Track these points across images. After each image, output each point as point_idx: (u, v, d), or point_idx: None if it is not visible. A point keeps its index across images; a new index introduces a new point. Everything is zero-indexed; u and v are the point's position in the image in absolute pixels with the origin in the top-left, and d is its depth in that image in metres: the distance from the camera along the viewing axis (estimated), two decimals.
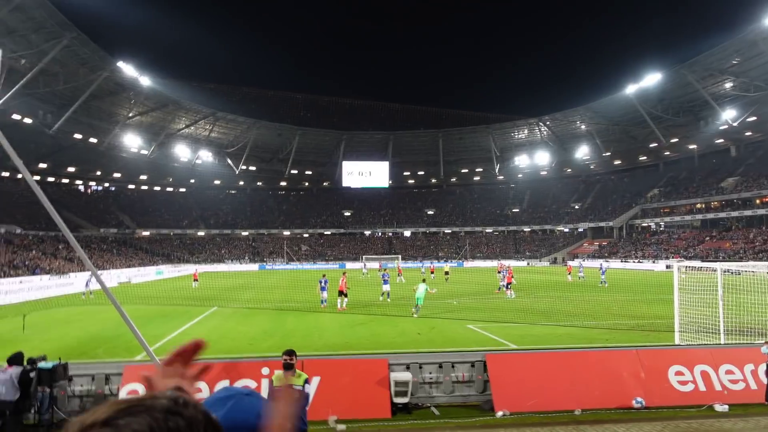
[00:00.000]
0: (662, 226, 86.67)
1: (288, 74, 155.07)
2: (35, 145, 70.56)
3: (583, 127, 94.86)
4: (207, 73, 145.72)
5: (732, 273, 17.06)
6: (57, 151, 78.78)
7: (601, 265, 46.71)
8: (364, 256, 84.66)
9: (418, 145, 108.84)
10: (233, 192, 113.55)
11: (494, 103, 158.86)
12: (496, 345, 16.33)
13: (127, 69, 63.08)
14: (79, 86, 63.36)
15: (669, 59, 73.59)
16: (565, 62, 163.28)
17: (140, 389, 9.32)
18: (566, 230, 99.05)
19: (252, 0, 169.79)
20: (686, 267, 16.55)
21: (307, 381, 6.90)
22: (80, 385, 10.26)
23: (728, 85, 69.42)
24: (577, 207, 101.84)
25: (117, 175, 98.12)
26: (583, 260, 71.77)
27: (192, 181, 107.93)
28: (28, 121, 64.76)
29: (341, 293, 26.28)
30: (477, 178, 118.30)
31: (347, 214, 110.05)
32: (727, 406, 10.40)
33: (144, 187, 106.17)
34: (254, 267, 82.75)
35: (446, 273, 48.40)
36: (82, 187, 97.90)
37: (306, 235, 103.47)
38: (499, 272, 39.22)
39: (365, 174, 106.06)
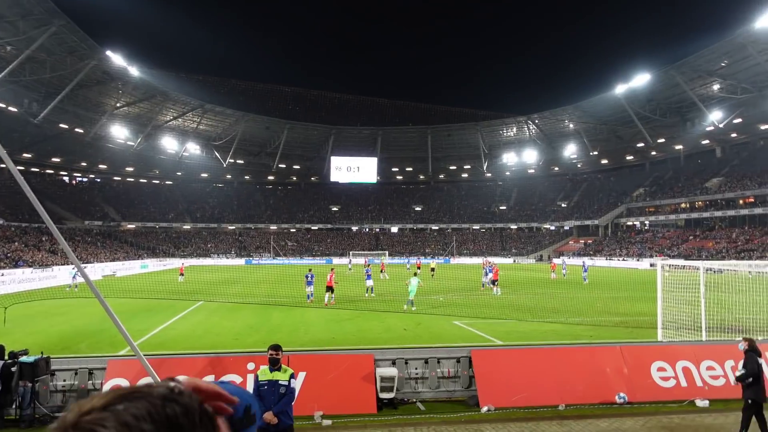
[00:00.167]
0: (647, 225, 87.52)
1: (277, 67, 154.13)
2: (19, 134, 69.64)
3: (571, 126, 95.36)
4: (195, 64, 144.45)
5: (714, 271, 17.31)
6: (42, 141, 77.72)
7: (583, 262, 47.28)
8: (350, 252, 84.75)
9: (407, 141, 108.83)
10: (220, 185, 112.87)
11: (483, 101, 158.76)
12: (481, 341, 16.40)
13: (116, 58, 62.35)
14: (66, 75, 62.54)
15: (658, 60, 74.46)
16: (554, 61, 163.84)
17: (124, 384, 9.25)
18: (552, 228, 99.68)
19: None
20: (669, 265, 16.71)
21: (293, 376, 6.88)
22: (63, 379, 10.16)
23: (716, 87, 70.09)
24: (563, 205, 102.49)
25: (103, 166, 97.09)
26: (568, 258, 72.33)
27: (179, 173, 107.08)
28: (12, 109, 63.88)
29: (329, 288, 26.42)
30: (465, 175, 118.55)
31: (335, 209, 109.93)
32: (707, 401, 10.56)
33: (130, 179, 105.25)
34: (240, 261, 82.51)
35: (432, 269, 48.54)
36: (67, 178, 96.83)
37: (293, 230, 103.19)
38: (483, 269, 39.36)
39: (353, 169, 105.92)
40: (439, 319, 21.38)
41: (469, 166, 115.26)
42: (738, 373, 8.66)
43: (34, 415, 9.41)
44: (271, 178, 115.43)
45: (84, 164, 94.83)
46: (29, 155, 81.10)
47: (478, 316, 21.89)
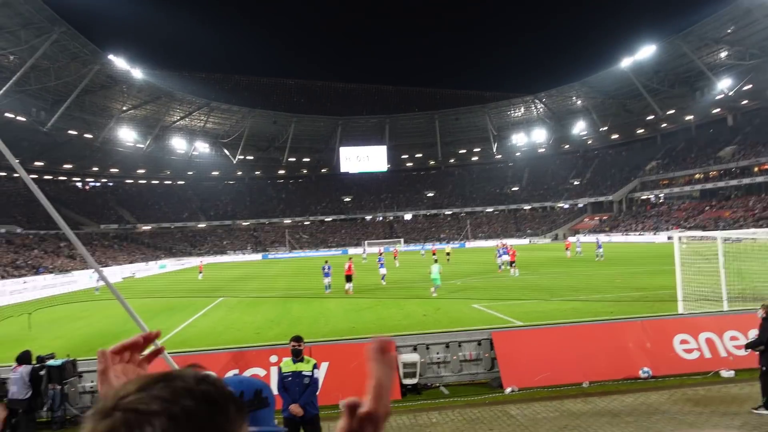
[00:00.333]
0: (662, 198, 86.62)
1: (279, 61, 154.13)
2: (29, 143, 70.24)
3: (579, 102, 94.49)
4: (197, 62, 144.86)
5: (732, 241, 17.06)
6: (52, 148, 78.42)
7: (597, 239, 47.06)
8: (365, 242, 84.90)
9: (415, 128, 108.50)
10: (232, 182, 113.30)
11: (489, 82, 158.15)
12: (501, 323, 16.38)
13: (118, 62, 62.65)
14: (71, 81, 62.97)
15: (663, 30, 73.34)
16: (559, 38, 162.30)
17: None
18: (566, 206, 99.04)
19: None
20: (687, 237, 16.55)
21: (315, 366, 6.92)
22: (90, 380, 10.31)
23: (723, 54, 69.00)
24: (576, 183, 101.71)
25: (114, 170, 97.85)
26: (583, 235, 71.93)
27: (190, 173, 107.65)
28: (21, 119, 64.44)
29: (348, 277, 26.79)
30: (475, 158, 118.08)
31: (347, 199, 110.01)
32: (733, 372, 10.48)
33: (142, 181, 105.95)
34: (257, 257, 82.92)
35: (447, 254, 48.56)
36: (79, 184, 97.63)
37: (307, 223, 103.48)
38: (497, 251, 39.24)
39: (363, 159, 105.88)
40: (457, 303, 21.39)
41: (478, 149, 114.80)
42: (749, 341, 8.58)
43: (65, 417, 9.58)
44: (281, 172, 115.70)
45: (96, 169, 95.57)
46: (41, 163, 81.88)
47: (496, 298, 21.87)
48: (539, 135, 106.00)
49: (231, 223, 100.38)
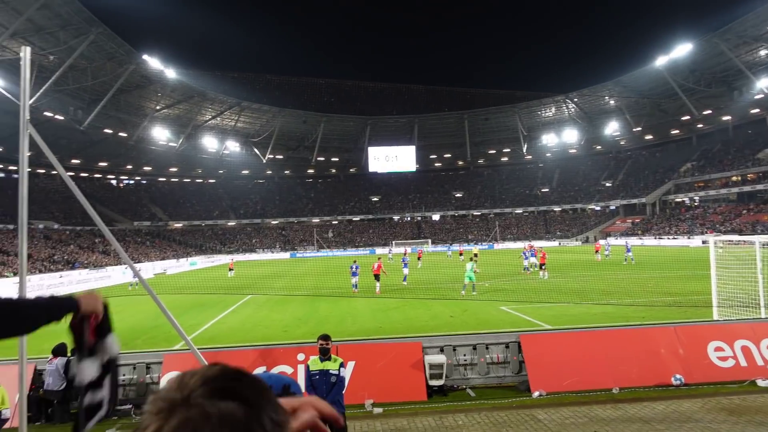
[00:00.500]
0: (697, 200, 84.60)
1: (310, 60, 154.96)
2: (67, 141, 72.11)
3: (612, 102, 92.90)
4: (230, 62, 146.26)
5: None
6: (88, 147, 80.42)
7: (626, 243, 46.33)
8: (393, 242, 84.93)
9: (444, 128, 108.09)
10: (261, 181, 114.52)
11: (520, 81, 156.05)
12: (530, 326, 16.21)
13: (153, 62, 63.86)
14: (107, 81, 64.45)
15: (700, 28, 71.44)
16: (591, 36, 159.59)
17: None
18: (597, 208, 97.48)
19: None
20: (723, 241, 16.11)
21: (342, 365, 6.94)
22: (122, 374, 10.52)
23: (763, 52, 67.04)
24: (608, 184, 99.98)
25: (147, 168, 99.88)
26: (614, 238, 70.73)
27: (221, 171, 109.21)
28: (59, 117, 66.13)
29: (376, 277, 27.16)
30: (504, 159, 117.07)
31: (375, 199, 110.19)
32: None
33: (174, 180, 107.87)
34: (285, 255, 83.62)
35: (475, 255, 48.22)
36: (114, 181, 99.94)
37: (335, 222, 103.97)
38: (523, 253, 38.98)
39: (391, 159, 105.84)
40: (485, 304, 21.23)
41: (508, 150, 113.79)
42: None
43: None
44: (310, 171, 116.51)
45: (130, 167, 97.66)
46: (78, 161, 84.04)
47: (525, 300, 21.64)
48: (570, 135, 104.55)
49: (260, 221, 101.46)
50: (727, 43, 65.98)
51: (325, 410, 0.94)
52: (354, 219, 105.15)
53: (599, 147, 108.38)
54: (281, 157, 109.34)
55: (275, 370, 9.85)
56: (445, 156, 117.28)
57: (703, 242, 53.36)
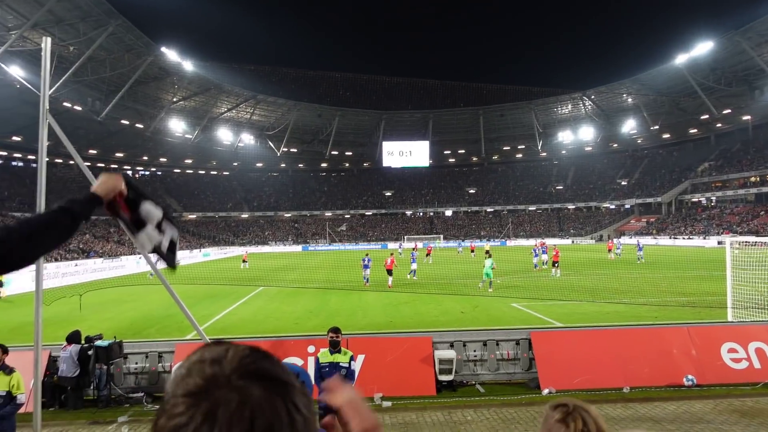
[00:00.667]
0: (713, 201, 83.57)
1: (326, 54, 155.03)
2: (85, 131, 72.82)
3: (629, 100, 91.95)
4: (246, 54, 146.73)
5: None
6: (106, 137, 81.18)
7: (638, 242, 46.06)
8: (405, 236, 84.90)
9: (458, 123, 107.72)
10: (275, 174, 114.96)
11: (536, 78, 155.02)
12: (541, 323, 16.16)
13: (170, 54, 64.24)
14: (124, 73, 64.98)
15: (721, 27, 70.17)
16: (610, 33, 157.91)
17: None
18: (612, 207, 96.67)
19: None
20: (739, 242, 15.92)
21: (352, 358, 6.98)
22: (135, 362, 10.65)
23: None
24: (623, 183, 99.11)
25: (163, 159, 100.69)
26: (629, 237, 70.13)
27: (235, 164, 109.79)
28: (78, 108, 66.78)
29: (389, 272, 27.25)
30: (519, 156, 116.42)
31: (388, 194, 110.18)
32: None
33: (189, 171, 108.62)
34: (297, 248, 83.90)
35: (487, 252, 48.10)
36: (130, 172, 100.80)
37: (347, 216, 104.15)
38: (533, 250, 38.90)
39: (405, 154, 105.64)
40: (496, 301, 21.19)
41: (523, 146, 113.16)
42: None
43: (110, 396, 9.92)
44: (324, 165, 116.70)
45: (145, 158, 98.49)
46: (95, 151, 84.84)
47: (537, 297, 21.56)
48: (586, 133, 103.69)
49: (273, 214, 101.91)
50: (749, 42, 64.95)
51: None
52: (367, 213, 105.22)
53: (615, 145, 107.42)
54: (295, 150, 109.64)
55: (287, 361, 9.92)
56: (459, 152, 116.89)
57: (719, 243, 52.77)
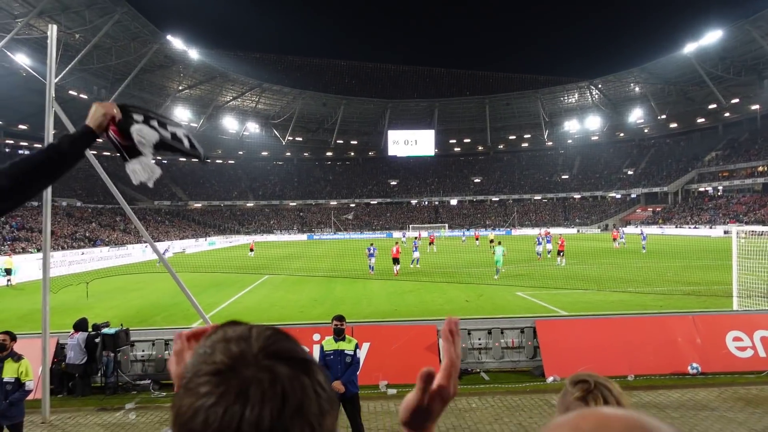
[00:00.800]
0: (720, 190, 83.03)
1: (332, 42, 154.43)
2: None
3: (637, 89, 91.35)
4: (252, 43, 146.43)
5: None
6: None
7: (641, 231, 45.88)
8: (410, 225, 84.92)
9: (464, 112, 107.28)
10: (280, 163, 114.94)
11: (543, 67, 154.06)
12: (546, 312, 16.17)
13: (176, 42, 64.18)
14: (130, 61, 64.97)
15: (731, 15, 69.42)
16: (618, 21, 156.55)
17: None
18: (618, 196, 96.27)
19: None
20: (746, 232, 15.84)
21: (357, 346, 7.01)
22: (142, 350, 10.74)
23: None
24: (630, 172, 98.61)
25: None
26: (636, 227, 69.91)
27: (240, 152, 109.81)
28: (83, 96, 66.88)
29: (395, 260, 27.54)
30: (525, 145, 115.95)
31: (393, 183, 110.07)
32: None
33: (195, 160, 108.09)
34: (303, 237, 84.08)
35: (491, 241, 48.08)
36: None
37: (353, 205, 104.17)
38: (537, 238, 38.87)
39: (411, 143, 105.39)
40: (501, 290, 21.21)
41: (529, 135, 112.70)
42: None
43: (117, 383, 10.02)
44: (329, 154, 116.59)
45: None
46: (100, 140, 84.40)
47: (542, 286, 21.57)
48: (593, 122, 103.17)
49: (278, 203, 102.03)
50: (760, 30, 64.27)
51: None
52: (372, 202, 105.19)
53: (622, 134, 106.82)
54: (300, 139, 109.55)
55: None
56: (464, 141, 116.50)
57: (725, 232, 52.55)
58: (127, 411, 8.95)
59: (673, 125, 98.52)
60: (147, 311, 17.98)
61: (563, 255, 31.51)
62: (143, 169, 2.32)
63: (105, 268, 35.11)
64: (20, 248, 39.47)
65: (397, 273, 27.16)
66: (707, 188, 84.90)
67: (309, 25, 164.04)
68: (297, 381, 0.65)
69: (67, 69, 54.74)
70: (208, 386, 0.63)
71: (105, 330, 10.15)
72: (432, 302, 18.84)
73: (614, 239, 46.60)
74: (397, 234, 77.26)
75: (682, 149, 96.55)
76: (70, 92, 64.04)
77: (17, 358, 6.55)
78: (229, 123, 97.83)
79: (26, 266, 29.41)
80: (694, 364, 10.27)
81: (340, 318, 7.11)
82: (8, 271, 27.59)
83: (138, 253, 43.21)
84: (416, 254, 32.21)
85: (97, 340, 9.98)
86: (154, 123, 2.26)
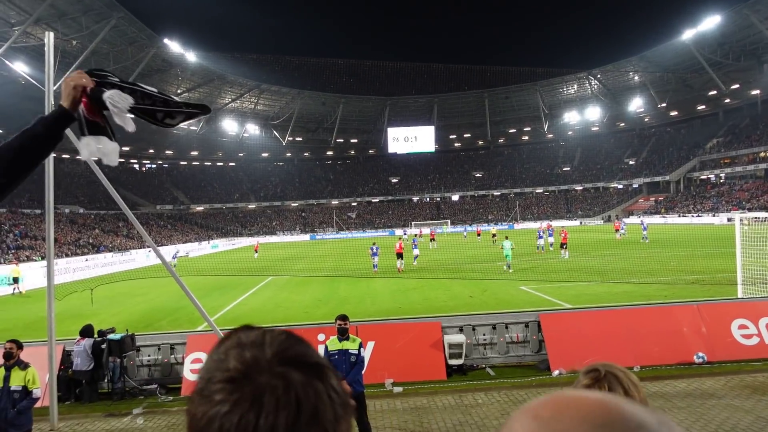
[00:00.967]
0: (722, 177, 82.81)
1: (328, 41, 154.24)
2: None
3: (636, 78, 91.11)
4: (248, 44, 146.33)
5: None
6: None
7: (642, 221, 45.78)
8: (412, 222, 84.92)
9: (463, 107, 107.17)
10: (281, 163, 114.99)
11: (541, 58, 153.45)
12: (550, 305, 16.18)
13: (173, 45, 64.17)
14: (128, 66, 64.92)
15: (729, 0, 69.01)
16: (615, 10, 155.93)
17: (204, 358, 9.70)
18: (620, 187, 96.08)
19: None
20: (749, 219, 15.82)
21: (361, 345, 7.02)
22: (148, 354, 10.77)
23: None
24: (631, 162, 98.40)
25: (169, 152, 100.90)
26: (639, 216, 69.82)
27: (241, 154, 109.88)
28: None
29: (399, 255, 27.90)
30: (525, 138, 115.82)
31: (394, 180, 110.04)
32: None
33: (195, 163, 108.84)
34: (305, 237, 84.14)
35: (493, 235, 48.06)
36: (137, 166, 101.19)
37: (354, 204, 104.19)
38: (538, 232, 38.87)
39: (411, 139, 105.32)
40: (505, 284, 21.21)
41: (529, 128, 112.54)
42: None
43: (124, 388, 10.05)
44: (329, 153, 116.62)
45: (152, 151, 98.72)
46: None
47: (545, 280, 21.56)
48: (593, 113, 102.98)
49: (280, 204, 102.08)
50: (758, 15, 63.96)
51: None
52: (373, 200, 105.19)
53: (622, 124, 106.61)
54: (300, 139, 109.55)
55: None
56: (464, 135, 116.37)
57: (728, 220, 52.45)
58: (134, 416, 8.99)
59: (674, 113, 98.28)
60: (152, 316, 18.03)
61: (566, 247, 31.49)
62: (98, 149, 2.17)
63: (109, 274, 35.19)
64: (24, 256, 39.61)
65: (400, 269, 27.32)
66: (709, 176, 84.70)
67: (305, 25, 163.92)
68: (311, 387, 0.64)
69: (65, 76, 54.75)
70: (222, 393, 0.62)
71: (111, 336, 10.18)
72: (436, 299, 18.85)
73: (616, 230, 46.58)
74: (398, 231, 77.34)
75: (683, 137, 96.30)
76: None
77: (24, 366, 6.58)
78: (229, 125, 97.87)
79: (31, 274, 29.52)
80: (700, 353, 10.26)
81: (343, 317, 7.13)
82: (15, 280, 27.76)
83: (142, 258, 43.32)
84: (416, 251, 32.36)
85: (103, 346, 10.02)
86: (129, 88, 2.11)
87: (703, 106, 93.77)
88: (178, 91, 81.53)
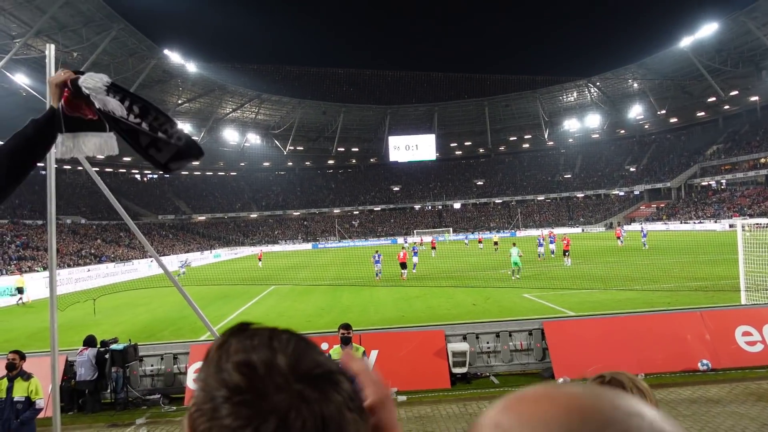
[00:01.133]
0: (723, 183, 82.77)
1: (329, 50, 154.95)
2: None
3: (635, 85, 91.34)
4: (248, 54, 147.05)
5: None
6: None
7: (641, 228, 45.74)
8: (414, 231, 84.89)
9: (464, 115, 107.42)
10: (282, 173, 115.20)
11: (541, 66, 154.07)
12: (553, 313, 16.12)
13: (173, 56, 64.50)
14: (129, 77, 65.21)
15: (726, 7, 69.27)
16: (613, 18, 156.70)
17: None
18: (621, 194, 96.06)
19: None
20: (751, 225, 15.78)
21: (365, 354, 7.00)
22: (150, 364, 10.74)
23: None
24: (632, 169, 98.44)
25: None
26: (640, 223, 69.75)
27: (242, 164, 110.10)
28: None
29: (402, 265, 28.17)
30: (526, 146, 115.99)
31: (396, 189, 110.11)
32: None
33: (197, 173, 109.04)
34: (307, 246, 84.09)
35: (495, 243, 48.01)
36: (138, 176, 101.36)
37: (356, 212, 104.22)
38: (538, 239, 38.92)
39: (412, 148, 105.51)
40: (508, 292, 21.16)
41: (529, 136, 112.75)
42: None
43: (127, 398, 10.03)
44: (331, 162, 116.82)
45: None
46: (102, 156, 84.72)
47: (548, 287, 21.51)
48: (593, 120, 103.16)
49: (282, 213, 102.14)
50: (755, 22, 64.22)
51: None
52: (375, 209, 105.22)
53: (623, 131, 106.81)
54: (302, 148, 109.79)
55: None
56: (465, 144, 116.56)
57: (730, 226, 52.37)
58: (137, 426, 8.96)
59: (674, 120, 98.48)
60: (155, 326, 18.01)
61: (569, 255, 31.45)
62: (74, 146, 2.18)
63: (111, 284, 35.16)
64: (26, 267, 39.62)
65: (404, 277, 27.51)
66: (710, 182, 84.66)
67: (305, 35, 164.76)
68: (331, 403, 0.59)
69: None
70: (232, 418, 0.55)
71: (113, 346, 10.17)
72: (439, 307, 18.81)
73: (618, 237, 46.53)
74: (400, 240, 77.31)
75: (684, 144, 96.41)
76: None
77: (27, 377, 6.57)
78: (230, 135, 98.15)
79: (33, 285, 29.52)
80: (704, 361, 10.21)
81: (346, 326, 7.12)
82: (20, 290, 27.84)
83: (144, 267, 43.31)
84: (415, 259, 32.39)
85: (106, 356, 10.00)
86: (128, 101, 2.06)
87: (703, 113, 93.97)
88: (179, 102, 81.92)
